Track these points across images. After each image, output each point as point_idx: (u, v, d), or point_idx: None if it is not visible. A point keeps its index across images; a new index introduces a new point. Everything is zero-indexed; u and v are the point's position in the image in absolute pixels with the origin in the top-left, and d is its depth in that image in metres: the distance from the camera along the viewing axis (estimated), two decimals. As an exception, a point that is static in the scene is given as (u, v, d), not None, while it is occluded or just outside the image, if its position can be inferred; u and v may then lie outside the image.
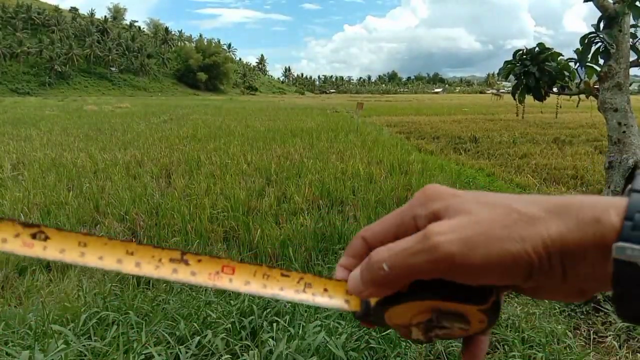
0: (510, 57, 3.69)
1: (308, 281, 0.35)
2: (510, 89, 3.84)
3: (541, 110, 18.71)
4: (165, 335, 2.38)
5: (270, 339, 2.32)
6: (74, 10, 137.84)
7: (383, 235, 0.33)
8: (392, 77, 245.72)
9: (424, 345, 2.56)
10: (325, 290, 0.35)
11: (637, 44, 3.28)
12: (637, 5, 3.04)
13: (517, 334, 2.64)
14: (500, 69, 3.86)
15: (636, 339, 2.68)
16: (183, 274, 0.34)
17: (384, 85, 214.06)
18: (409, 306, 0.32)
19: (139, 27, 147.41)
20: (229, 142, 10.89)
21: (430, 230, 0.29)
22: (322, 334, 2.31)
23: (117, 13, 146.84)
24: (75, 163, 8.01)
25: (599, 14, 3.17)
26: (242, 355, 2.27)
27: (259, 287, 0.34)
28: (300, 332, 2.40)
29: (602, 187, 3.47)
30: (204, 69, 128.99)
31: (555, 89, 3.66)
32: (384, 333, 2.54)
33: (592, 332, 2.80)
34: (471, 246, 0.28)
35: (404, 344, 2.54)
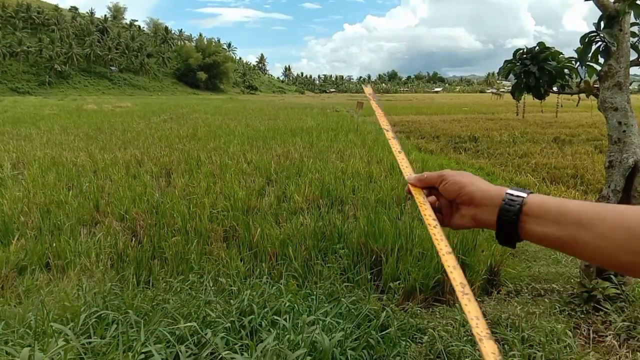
0: (510, 57, 3.68)
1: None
2: (510, 88, 3.84)
3: (541, 109, 18.69)
4: (165, 334, 2.37)
5: (267, 337, 2.32)
6: (73, 9, 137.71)
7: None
8: (392, 76, 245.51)
9: (423, 345, 2.56)
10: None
11: (637, 43, 3.27)
12: (637, 4, 3.03)
13: (517, 333, 2.64)
14: (500, 69, 3.85)
15: (636, 338, 2.68)
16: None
17: (383, 84, 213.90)
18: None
19: (139, 27, 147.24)
20: (229, 142, 10.88)
21: (443, 170, 0.69)
22: (317, 329, 2.30)
23: (117, 12, 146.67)
24: (75, 162, 8.01)
25: (599, 13, 3.16)
26: (242, 354, 2.27)
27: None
28: (297, 328, 2.39)
29: (602, 186, 3.47)
30: (204, 68, 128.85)
31: (555, 88, 3.65)
32: (383, 333, 2.54)
33: (591, 331, 2.80)
34: (457, 175, 0.68)
35: (404, 343, 2.54)
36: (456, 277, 0.55)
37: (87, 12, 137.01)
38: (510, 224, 0.59)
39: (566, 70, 3.52)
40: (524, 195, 0.60)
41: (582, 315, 2.97)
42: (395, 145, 0.80)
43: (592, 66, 3.36)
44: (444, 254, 0.59)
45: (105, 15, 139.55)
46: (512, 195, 0.60)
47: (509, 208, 0.59)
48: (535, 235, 0.59)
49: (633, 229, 0.52)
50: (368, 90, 0.93)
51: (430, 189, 0.71)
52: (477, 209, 0.63)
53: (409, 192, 0.72)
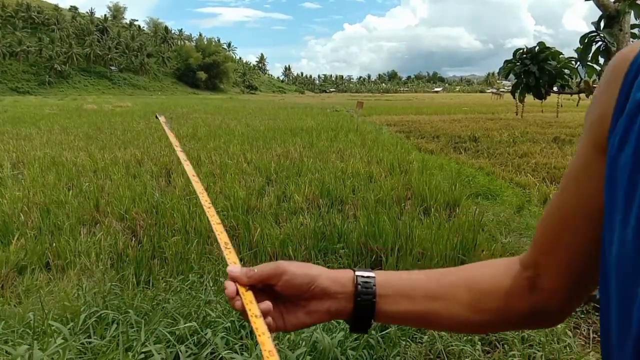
0: (510, 56, 3.68)
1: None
2: (510, 88, 3.84)
3: (541, 109, 18.69)
4: (165, 333, 2.37)
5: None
6: (73, 9, 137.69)
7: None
8: (392, 76, 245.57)
9: (423, 345, 2.56)
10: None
11: (637, 43, 3.27)
12: (638, 4, 3.04)
13: (516, 333, 2.64)
14: (500, 68, 3.86)
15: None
16: None
17: (383, 84, 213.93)
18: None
19: (139, 26, 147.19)
20: (229, 141, 10.88)
21: (277, 262, 0.56)
22: (318, 330, 2.31)
23: (116, 12, 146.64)
24: (75, 162, 8.00)
25: (599, 12, 3.16)
26: (242, 354, 2.27)
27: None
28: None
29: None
30: (204, 68, 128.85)
31: (555, 88, 3.66)
32: (383, 332, 2.54)
33: (591, 331, 2.80)
34: (301, 267, 0.57)
35: (404, 343, 2.54)
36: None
37: (87, 12, 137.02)
38: (368, 307, 0.55)
39: (566, 70, 3.53)
40: (373, 275, 0.57)
41: (582, 315, 2.97)
42: (207, 207, 0.69)
43: (592, 66, 3.36)
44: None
45: (105, 15, 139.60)
46: (363, 276, 0.56)
47: (366, 291, 0.55)
48: (390, 314, 0.56)
49: (474, 288, 0.56)
50: (162, 119, 0.96)
51: (255, 286, 0.55)
52: (332, 301, 0.56)
53: (232, 296, 0.54)
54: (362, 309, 0.56)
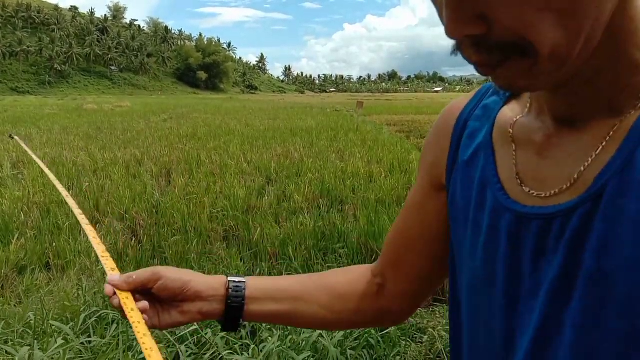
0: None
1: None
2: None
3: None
4: (166, 333, 2.37)
5: (269, 337, 2.32)
6: (73, 9, 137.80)
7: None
8: (392, 76, 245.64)
9: (423, 345, 2.56)
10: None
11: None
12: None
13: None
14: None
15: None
16: None
17: (383, 84, 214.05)
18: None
19: (139, 26, 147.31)
20: (229, 141, 10.88)
21: (154, 268, 0.63)
22: (318, 331, 2.31)
23: (117, 12, 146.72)
24: (75, 162, 8.01)
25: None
26: (242, 354, 2.27)
27: None
28: (298, 329, 2.40)
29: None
30: (204, 68, 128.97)
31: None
32: (383, 332, 2.54)
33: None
34: (175, 272, 0.63)
35: (404, 343, 2.54)
36: None
37: (87, 12, 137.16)
38: (238, 309, 0.62)
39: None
40: (244, 280, 0.64)
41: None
42: (92, 235, 0.73)
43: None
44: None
45: (105, 15, 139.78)
46: (235, 282, 0.63)
47: (236, 294, 0.62)
48: (257, 314, 0.64)
49: (329, 292, 0.65)
50: (17, 138, 1.00)
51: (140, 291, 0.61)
52: (204, 303, 0.62)
53: (117, 304, 0.59)
54: (232, 310, 0.63)
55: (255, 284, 0.64)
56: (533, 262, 0.42)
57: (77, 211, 0.79)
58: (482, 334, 0.49)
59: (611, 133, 0.39)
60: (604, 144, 0.39)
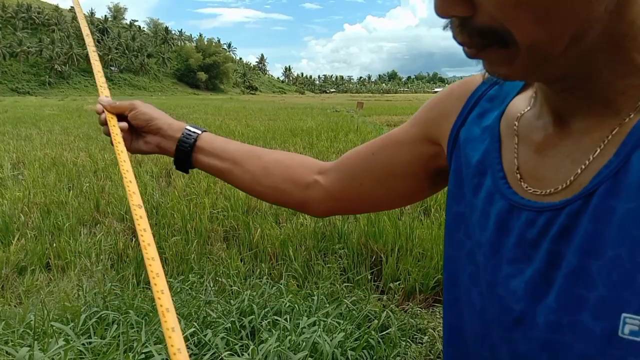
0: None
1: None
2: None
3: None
4: (165, 334, 2.37)
5: (269, 338, 2.32)
6: (74, 9, 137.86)
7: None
8: (392, 76, 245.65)
9: (424, 345, 2.56)
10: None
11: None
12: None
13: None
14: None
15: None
16: None
17: (384, 84, 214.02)
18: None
19: (139, 27, 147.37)
20: (229, 142, 10.87)
21: (133, 100, 0.78)
22: (318, 331, 2.31)
23: (117, 12, 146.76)
24: (76, 162, 8.01)
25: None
26: (242, 354, 2.27)
27: None
28: (298, 329, 2.40)
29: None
30: (204, 69, 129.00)
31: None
32: (383, 333, 2.54)
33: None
34: (146, 107, 0.77)
35: (404, 343, 2.54)
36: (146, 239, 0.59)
37: (88, 12, 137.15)
38: (185, 153, 0.73)
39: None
40: (199, 132, 0.74)
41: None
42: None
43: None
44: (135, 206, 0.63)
45: (105, 16, 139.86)
46: (190, 130, 0.74)
47: (186, 141, 0.73)
48: (202, 164, 0.73)
49: (267, 168, 0.72)
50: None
51: (119, 116, 0.77)
52: (162, 139, 0.74)
53: (104, 120, 0.76)
54: (181, 153, 0.73)
55: (207, 139, 0.74)
56: (514, 250, 0.43)
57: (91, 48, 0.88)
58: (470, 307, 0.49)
59: (610, 136, 0.39)
60: (602, 147, 0.39)
